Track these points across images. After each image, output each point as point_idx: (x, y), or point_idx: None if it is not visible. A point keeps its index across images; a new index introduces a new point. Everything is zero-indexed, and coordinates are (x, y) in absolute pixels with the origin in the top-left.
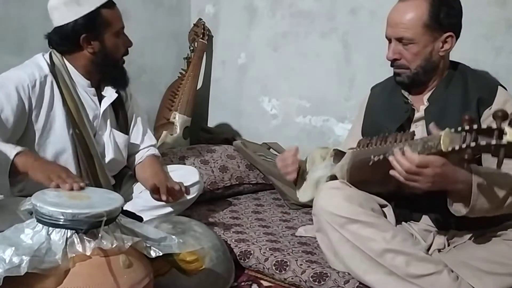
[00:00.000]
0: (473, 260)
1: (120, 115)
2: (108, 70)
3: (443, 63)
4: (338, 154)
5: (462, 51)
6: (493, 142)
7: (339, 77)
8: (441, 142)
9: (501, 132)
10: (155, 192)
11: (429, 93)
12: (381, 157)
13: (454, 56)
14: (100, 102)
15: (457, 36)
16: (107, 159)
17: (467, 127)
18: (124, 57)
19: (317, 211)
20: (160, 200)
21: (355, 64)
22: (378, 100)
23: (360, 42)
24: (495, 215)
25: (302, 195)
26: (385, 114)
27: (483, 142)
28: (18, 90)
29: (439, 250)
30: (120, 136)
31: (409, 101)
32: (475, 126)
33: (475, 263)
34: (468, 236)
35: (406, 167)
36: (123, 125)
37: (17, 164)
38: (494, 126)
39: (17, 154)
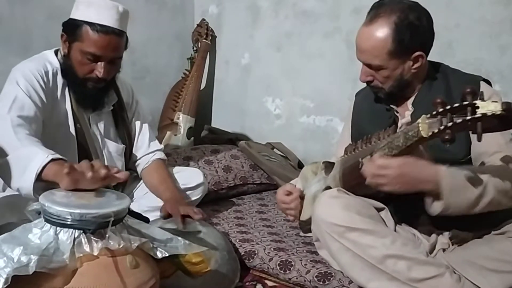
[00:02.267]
0: (478, 258)
1: (120, 124)
2: (72, 83)
3: (418, 75)
4: (328, 166)
5: (467, 51)
6: (468, 117)
7: (343, 77)
8: (420, 129)
9: (474, 107)
10: (166, 218)
11: (413, 98)
12: (368, 157)
13: (458, 56)
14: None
15: (429, 49)
16: None
17: (440, 109)
18: (94, 84)
19: (316, 221)
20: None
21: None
22: (362, 107)
23: None
24: (478, 212)
25: (302, 214)
26: (370, 121)
27: (459, 120)
28: (35, 81)
29: (444, 250)
30: (113, 146)
31: (391, 108)
32: (448, 107)
33: (480, 262)
34: (472, 235)
35: (369, 169)
36: (123, 134)
37: (49, 172)
38: (465, 103)
39: (51, 161)
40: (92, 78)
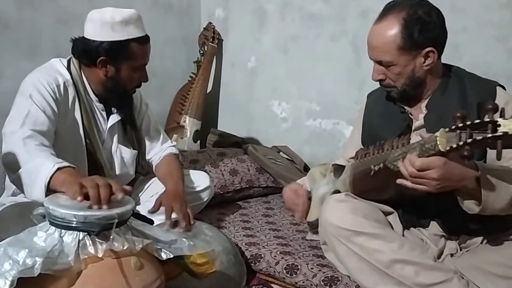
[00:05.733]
0: (486, 264)
1: (129, 130)
2: (115, 96)
3: (431, 74)
4: (338, 169)
5: (474, 54)
6: (489, 135)
7: (349, 80)
8: (438, 142)
9: (495, 124)
10: (155, 210)
11: (427, 101)
12: (381, 165)
13: (465, 59)
14: (108, 117)
15: (442, 47)
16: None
17: (460, 124)
18: (134, 90)
19: (323, 225)
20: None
21: (365, 67)
22: (375, 108)
23: None
24: (508, 213)
25: (309, 215)
26: (383, 123)
27: (479, 136)
28: (48, 94)
29: (452, 255)
30: (127, 152)
31: (406, 110)
32: (468, 122)
33: (488, 267)
34: (480, 240)
35: (409, 171)
36: (132, 140)
37: (56, 181)
38: (486, 119)
39: (58, 169)
40: (136, 86)
